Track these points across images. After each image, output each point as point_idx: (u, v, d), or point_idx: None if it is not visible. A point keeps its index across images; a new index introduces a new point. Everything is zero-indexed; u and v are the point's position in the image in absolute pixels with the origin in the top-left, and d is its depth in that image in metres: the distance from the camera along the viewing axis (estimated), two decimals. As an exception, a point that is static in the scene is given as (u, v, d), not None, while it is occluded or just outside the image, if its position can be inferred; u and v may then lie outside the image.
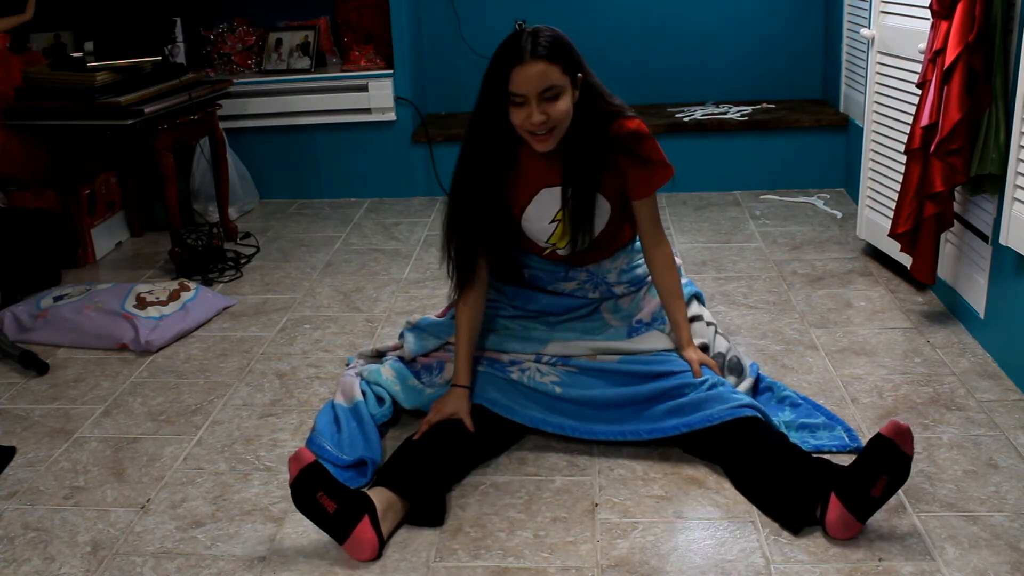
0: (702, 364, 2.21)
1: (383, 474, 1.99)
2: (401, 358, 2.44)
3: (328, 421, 2.28)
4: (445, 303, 3.07)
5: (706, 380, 2.14)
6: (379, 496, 1.88)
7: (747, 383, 2.28)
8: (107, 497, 2.09)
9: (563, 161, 2.15)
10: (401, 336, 2.54)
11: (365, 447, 2.15)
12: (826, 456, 2.03)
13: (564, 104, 2.03)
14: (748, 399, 2.09)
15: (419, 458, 2.02)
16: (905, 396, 2.38)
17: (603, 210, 2.23)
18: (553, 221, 2.24)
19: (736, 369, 2.33)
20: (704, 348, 2.31)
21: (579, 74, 2.07)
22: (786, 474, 1.91)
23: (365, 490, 1.91)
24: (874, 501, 1.80)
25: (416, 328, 2.48)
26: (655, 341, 2.28)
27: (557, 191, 2.20)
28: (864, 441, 2.02)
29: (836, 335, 2.73)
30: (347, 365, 2.59)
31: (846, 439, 2.12)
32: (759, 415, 2.05)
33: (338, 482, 1.85)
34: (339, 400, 2.35)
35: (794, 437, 2.11)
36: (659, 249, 2.27)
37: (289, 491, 1.84)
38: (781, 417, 2.20)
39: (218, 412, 2.45)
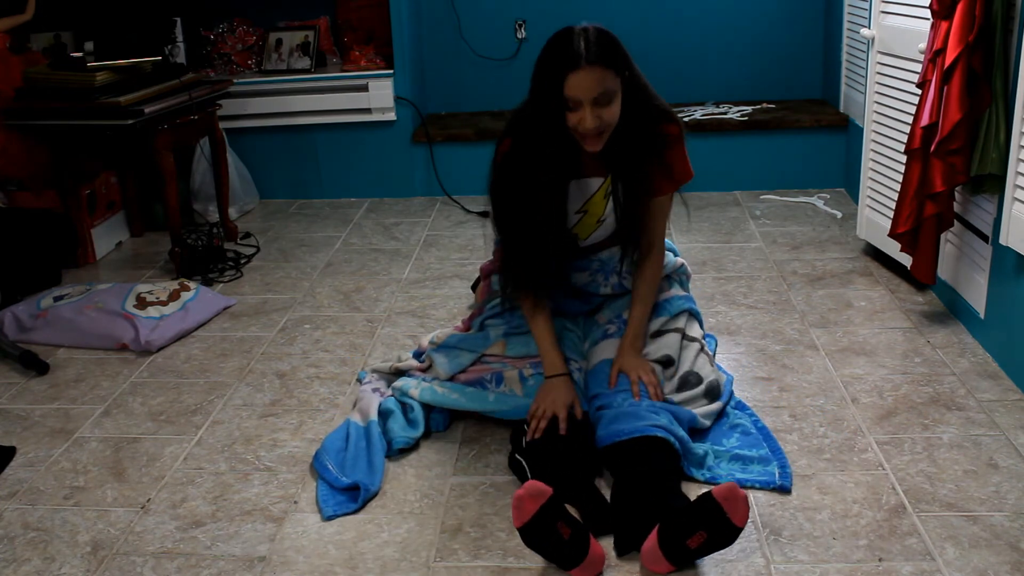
0: (623, 372, 2.17)
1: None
2: (435, 378, 2.36)
3: (337, 438, 2.22)
4: (448, 303, 3.08)
5: (627, 396, 2.11)
6: (570, 509, 1.80)
7: (715, 406, 2.24)
8: (107, 497, 2.09)
9: (605, 155, 2.13)
10: (416, 355, 2.48)
11: (366, 471, 2.09)
12: (752, 489, 2.01)
13: (616, 107, 2.03)
14: (665, 420, 2.03)
15: (568, 464, 1.98)
16: (905, 396, 2.38)
17: None
18: (579, 211, 2.25)
19: (713, 394, 2.27)
20: (667, 362, 2.26)
21: (627, 71, 2.06)
22: (641, 500, 1.86)
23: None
24: (689, 551, 1.72)
25: (445, 347, 2.39)
26: (608, 350, 2.27)
27: (587, 182, 2.22)
28: (791, 483, 2.02)
29: (836, 335, 2.73)
30: (359, 381, 2.55)
31: (776, 476, 2.03)
32: (669, 438, 1.99)
33: (564, 504, 1.75)
34: (355, 418, 2.29)
35: (724, 467, 2.07)
36: (652, 254, 2.29)
37: (519, 533, 1.72)
38: (724, 444, 2.15)
39: (218, 412, 2.45)
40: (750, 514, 1.91)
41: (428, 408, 2.31)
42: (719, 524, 1.70)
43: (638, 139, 2.12)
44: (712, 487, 1.77)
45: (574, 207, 2.24)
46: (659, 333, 2.32)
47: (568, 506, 1.81)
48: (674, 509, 1.78)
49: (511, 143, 2.15)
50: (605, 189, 2.23)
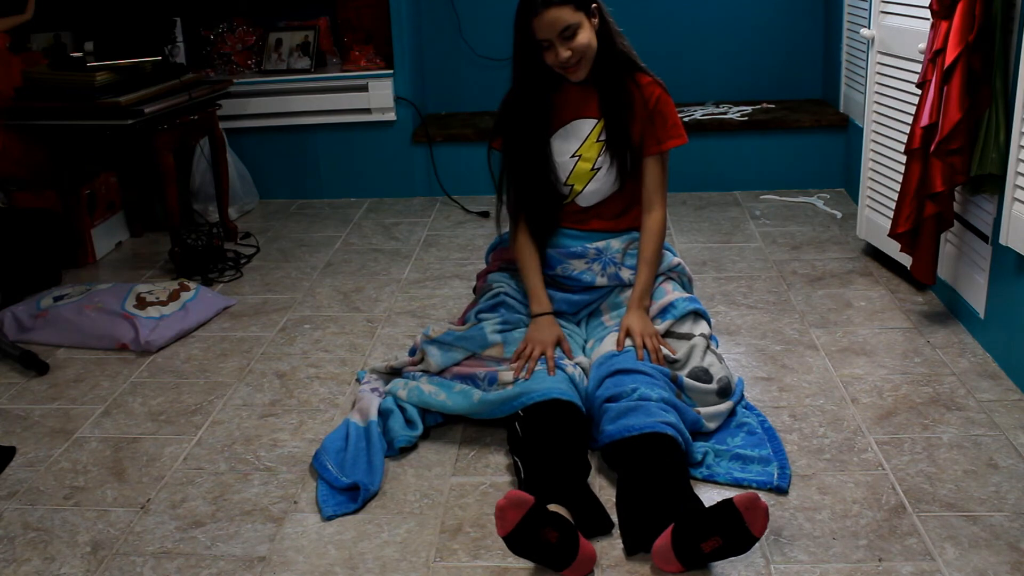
0: (629, 333, 2.27)
1: (535, 487, 1.89)
2: (425, 371, 2.36)
3: (336, 438, 2.21)
4: (448, 303, 3.08)
5: (636, 388, 2.09)
6: (560, 510, 1.80)
7: (726, 405, 2.24)
8: (107, 497, 2.09)
9: (598, 91, 2.37)
10: (412, 352, 2.49)
11: (366, 471, 2.09)
12: (751, 490, 1.99)
13: (584, 37, 2.26)
14: (674, 418, 2.03)
15: (559, 464, 1.97)
16: (905, 396, 2.38)
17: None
18: (574, 156, 2.40)
19: (725, 391, 2.26)
20: (671, 361, 2.27)
21: (593, 4, 2.28)
22: (653, 499, 1.85)
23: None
24: (702, 555, 1.71)
25: (438, 342, 2.38)
26: (612, 346, 2.28)
27: (588, 123, 2.40)
28: (789, 485, 2.02)
29: (836, 335, 2.74)
30: (358, 380, 2.55)
31: (774, 477, 2.03)
32: (678, 437, 1.99)
33: (547, 508, 1.74)
34: (354, 419, 2.28)
35: (723, 466, 2.07)
36: (652, 215, 2.42)
37: (504, 542, 1.72)
38: (728, 444, 2.15)
39: (218, 412, 2.45)
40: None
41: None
42: (736, 532, 1.69)
43: (618, 71, 2.35)
44: (734, 493, 1.75)
45: (570, 151, 2.40)
46: (666, 335, 2.33)
47: (557, 507, 1.81)
48: (691, 511, 1.76)
49: (509, 90, 2.42)
50: (597, 132, 2.39)
